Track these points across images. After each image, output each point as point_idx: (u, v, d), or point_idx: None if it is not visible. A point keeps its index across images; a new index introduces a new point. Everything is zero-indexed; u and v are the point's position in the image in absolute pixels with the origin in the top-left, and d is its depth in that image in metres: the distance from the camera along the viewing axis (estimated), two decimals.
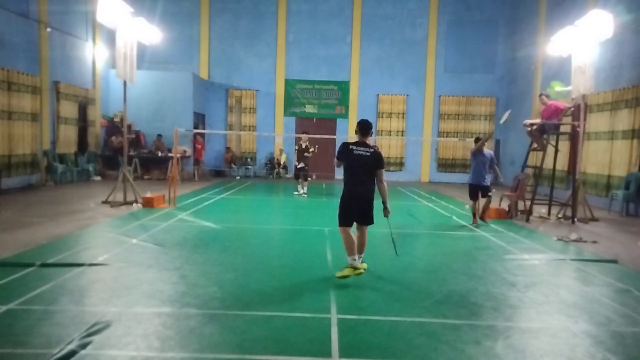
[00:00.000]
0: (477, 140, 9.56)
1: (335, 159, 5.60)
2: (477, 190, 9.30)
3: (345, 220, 5.48)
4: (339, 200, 5.54)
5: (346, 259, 5.41)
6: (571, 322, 4.26)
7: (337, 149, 5.64)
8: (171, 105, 17.66)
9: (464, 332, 3.98)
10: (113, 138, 16.80)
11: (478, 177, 9.27)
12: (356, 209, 5.48)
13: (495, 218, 10.04)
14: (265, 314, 4.26)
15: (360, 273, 5.39)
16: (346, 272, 5.33)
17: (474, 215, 9.36)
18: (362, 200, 5.44)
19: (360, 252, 5.54)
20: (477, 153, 9.25)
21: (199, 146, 17.44)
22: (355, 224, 5.56)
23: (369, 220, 5.55)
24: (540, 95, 10.54)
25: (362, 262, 5.54)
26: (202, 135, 17.70)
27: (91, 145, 16.76)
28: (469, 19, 19.79)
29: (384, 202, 5.54)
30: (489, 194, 9.36)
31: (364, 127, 5.54)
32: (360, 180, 5.44)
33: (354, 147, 5.44)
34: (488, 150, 9.42)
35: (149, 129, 17.62)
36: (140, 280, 5.07)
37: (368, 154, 5.43)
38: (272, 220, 10.11)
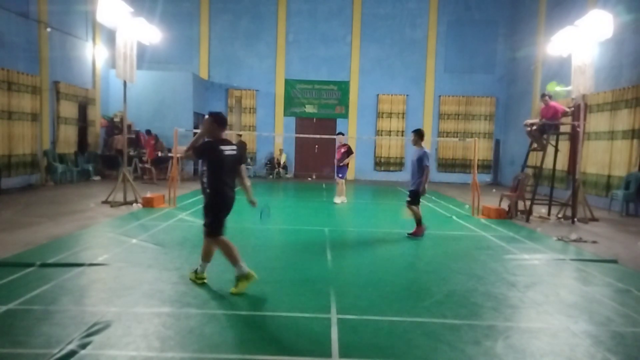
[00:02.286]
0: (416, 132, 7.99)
1: (192, 152, 4.89)
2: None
3: (222, 228, 4.96)
4: (212, 207, 4.88)
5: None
6: (571, 322, 4.26)
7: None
8: (171, 105, 17.66)
9: (464, 332, 3.98)
10: (119, 137, 16.73)
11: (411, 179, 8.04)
12: (227, 214, 5.00)
13: (495, 218, 10.05)
14: (265, 314, 4.26)
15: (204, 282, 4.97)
16: (242, 286, 4.80)
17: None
18: (232, 204, 4.99)
19: (209, 259, 5.04)
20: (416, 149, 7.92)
21: (152, 143, 15.83)
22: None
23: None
24: (543, 95, 10.54)
25: (198, 272, 5.03)
26: (150, 132, 16.39)
27: (91, 145, 16.76)
28: (469, 19, 19.79)
29: (251, 197, 5.15)
30: (408, 199, 7.95)
31: (224, 122, 4.97)
32: (231, 183, 4.99)
33: (224, 148, 4.83)
34: (420, 149, 7.82)
35: (149, 129, 17.60)
36: (140, 280, 5.07)
37: (235, 152, 4.96)
38: (272, 220, 10.09)
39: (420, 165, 7.70)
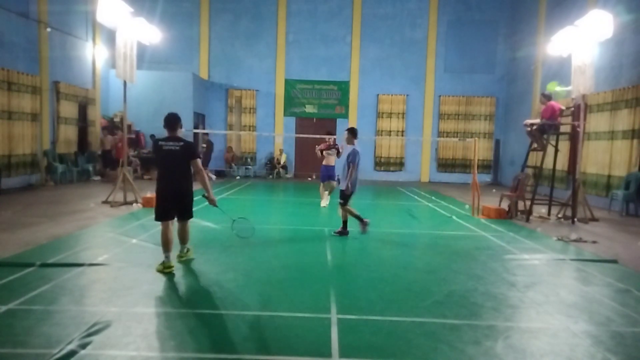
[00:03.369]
0: (350, 131, 7.98)
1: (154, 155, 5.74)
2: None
3: (161, 215, 5.52)
4: (155, 196, 5.59)
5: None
6: (571, 322, 4.26)
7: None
8: (171, 105, 17.47)
9: (464, 332, 3.98)
10: (109, 137, 16.61)
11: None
12: (172, 205, 5.51)
13: (495, 218, 10.04)
14: (265, 314, 4.26)
15: (171, 271, 5.41)
16: (159, 267, 5.45)
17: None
18: (176, 195, 5.50)
19: (184, 242, 5.79)
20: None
21: (120, 144, 14.57)
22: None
23: (188, 215, 5.69)
24: (541, 95, 10.54)
25: (188, 251, 5.88)
26: (120, 128, 15.53)
27: (91, 145, 16.76)
28: (469, 19, 19.80)
29: (206, 192, 5.67)
30: (340, 200, 7.87)
31: (168, 122, 5.56)
32: (172, 175, 5.47)
33: (163, 143, 5.47)
34: (350, 146, 7.91)
35: (149, 129, 17.61)
36: (140, 280, 5.07)
37: (177, 147, 5.45)
38: (272, 220, 10.11)
39: (347, 162, 7.68)
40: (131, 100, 13.75)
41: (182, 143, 5.47)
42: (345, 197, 7.76)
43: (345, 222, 7.87)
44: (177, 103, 17.63)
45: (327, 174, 11.16)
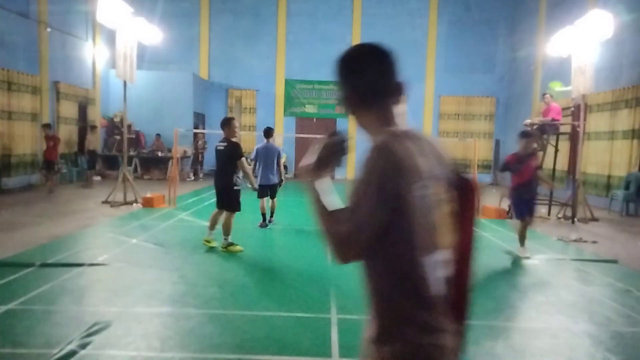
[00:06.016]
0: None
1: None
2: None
3: (216, 204, 6.57)
4: None
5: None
6: (571, 322, 4.26)
7: None
8: (171, 105, 17.63)
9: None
10: (91, 137, 14.49)
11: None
12: (220, 197, 6.44)
13: (495, 218, 10.04)
14: (265, 314, 4.26)
15: (209, 245, 6.54)
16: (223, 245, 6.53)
17: (266, 216, 8.58)
18: (220, 189, 6.40)
19: (224, 233, 6.46)
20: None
21: (51, 143, 12.31)
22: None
23: (230, 207, 6.40)
24: (544, 95, 10.53)
25: (229, 245, 6.47)
26: (50, 126, 12.90)
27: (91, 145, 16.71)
28: (469, 19, 19.78)
29: (251, 183, 6.67)
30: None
31: (220, 124, 6.52)
32: (220, 172, 6.41)
33: (218, 144, 6.39)
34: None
35: (149, 129, 17.60)
36: (140, 280, 5.07)
37: (222, 147, 6.27)
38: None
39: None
40: (131, 100, 13.69)
41: (226, 144, 6.26)
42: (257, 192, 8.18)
43: (263, 215, 8.47)
44: (177, 103, 17.66)
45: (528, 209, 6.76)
